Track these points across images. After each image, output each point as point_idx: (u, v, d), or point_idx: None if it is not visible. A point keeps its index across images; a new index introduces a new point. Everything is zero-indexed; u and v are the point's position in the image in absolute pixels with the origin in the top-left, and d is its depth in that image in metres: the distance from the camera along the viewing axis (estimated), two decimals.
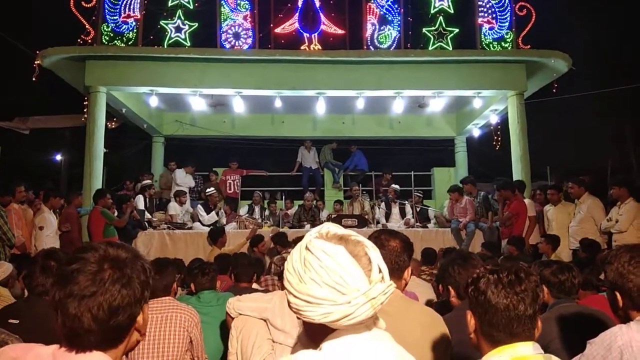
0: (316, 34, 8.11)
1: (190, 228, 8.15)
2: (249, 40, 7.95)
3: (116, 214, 7.36)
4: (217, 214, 8.66)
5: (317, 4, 8.20)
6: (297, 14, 8.15)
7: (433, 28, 8.13)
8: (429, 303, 3.51)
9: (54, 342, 1.07)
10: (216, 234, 7.08)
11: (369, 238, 1.23)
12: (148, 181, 8.96)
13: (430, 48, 8.07)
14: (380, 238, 1.91)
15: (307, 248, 1.08)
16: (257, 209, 9.16)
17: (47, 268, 2.45)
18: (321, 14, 8.18)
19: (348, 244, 1.08)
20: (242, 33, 7.96)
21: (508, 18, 8.28)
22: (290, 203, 9.75)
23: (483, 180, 12.32)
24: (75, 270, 1.03)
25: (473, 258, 2.49)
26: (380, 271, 1.06)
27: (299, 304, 1.05)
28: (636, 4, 14.43)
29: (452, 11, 8.21)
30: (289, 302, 1.09)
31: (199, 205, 8.75)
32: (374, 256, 1.08)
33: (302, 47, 8.02)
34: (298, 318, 1.11)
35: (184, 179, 9.70)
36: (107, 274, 1.04)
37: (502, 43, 8.22)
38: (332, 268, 1.03)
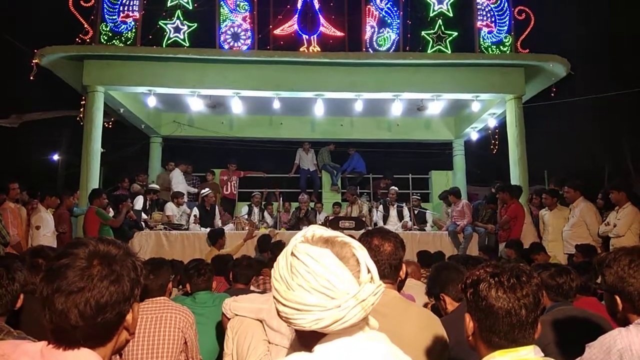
0: (315, 36, 8.10)
1: (187, 229, 8.12)
2: (248, 41, 7.93)
3: (112, 214, 7.32)
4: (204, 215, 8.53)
5: (317, 5, 8.19)
6: (296, 16, 8.14)
7: (432, 31, 8.13)
8: (425, 305, 3.49)
9: (45, 339, 1.05)
10: (215, 235, 7.06)
11: (359, 240, 1.19)
12: (156, 186, 8.90)
13: (429, 51, 8.06)
14: (372, 240, 1.84)
15: (292, 254, 1.04)
16: (256, 210, 9.13)
17: (35, 266, 2.45)
18: (320, 16, 8.17)
19: (334, 246, 1.05)
20: (241, 34, 7.95)
21: (507, 22, 8.28)
22: (289, 205, 9.74)
23: (480, 184, 12.37)
24: (64, 265, 1.02)
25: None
26: (369, 271, 1.03)
27: (288, 313, 1.02)
28: (634, 9, 14.50)
29: (451, 14, 8.21)
30: (278, 311, 1.05)
31: (195, 208, 8.72)
32: (361, 256, 1.05)
33: (301, 49, 8.01)
34: (288, 326, 1.07)
35: (180, 178, 9.65)
36: (96, 270, 1.02)
37: (501, 47, 8.22)
38: (320, 272, 0.99)
